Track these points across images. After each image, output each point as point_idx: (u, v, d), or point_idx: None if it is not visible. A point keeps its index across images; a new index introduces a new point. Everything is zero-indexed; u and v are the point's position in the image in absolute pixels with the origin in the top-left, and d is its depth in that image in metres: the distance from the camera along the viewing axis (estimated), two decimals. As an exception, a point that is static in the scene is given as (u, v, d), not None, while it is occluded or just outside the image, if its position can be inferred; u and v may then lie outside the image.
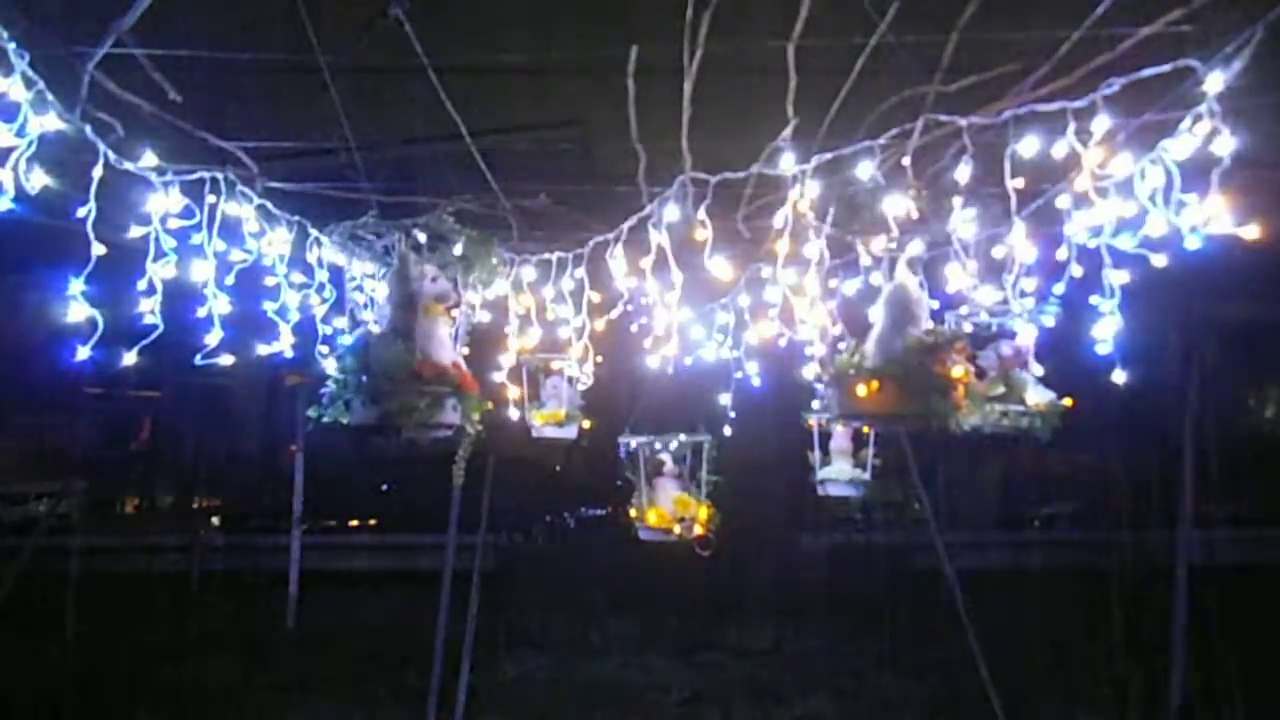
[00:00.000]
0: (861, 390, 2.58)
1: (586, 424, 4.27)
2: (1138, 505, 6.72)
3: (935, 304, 3.03)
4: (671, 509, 4.08)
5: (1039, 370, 3.31)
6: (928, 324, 2.73)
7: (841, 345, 2.97)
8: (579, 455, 9.45)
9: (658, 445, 4.23)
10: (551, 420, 4.18)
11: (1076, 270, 2.84)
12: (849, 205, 2.83)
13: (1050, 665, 6.43)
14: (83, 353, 2.35)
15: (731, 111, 3.03)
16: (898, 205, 2.62)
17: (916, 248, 2.86)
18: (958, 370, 2.55)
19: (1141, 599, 6.24)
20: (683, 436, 4.25)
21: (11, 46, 2.05)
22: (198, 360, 2.80)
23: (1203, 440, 5.84)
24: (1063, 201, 2.71)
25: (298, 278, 3.28)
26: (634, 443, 4.21)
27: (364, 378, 2.63)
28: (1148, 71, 2.21)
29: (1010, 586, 7.14)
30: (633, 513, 4.17)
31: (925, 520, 6.95)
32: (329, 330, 3.38)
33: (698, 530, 4.04)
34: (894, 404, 2.58)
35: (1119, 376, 2.81)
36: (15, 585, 6.46)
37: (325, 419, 2.73)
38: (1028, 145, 2.42)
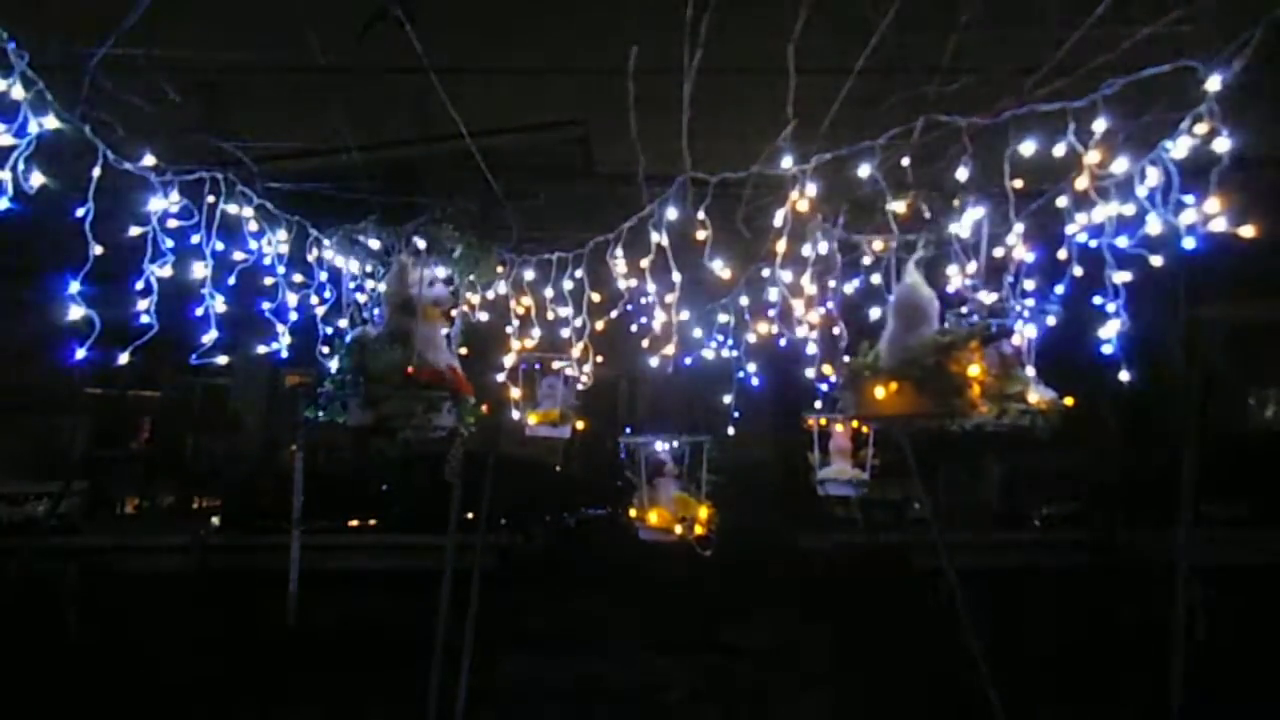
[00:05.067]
0: (879, 392, 2.57)
1: (580, 424, 4.26)
2: (1138, 505, 6.72)
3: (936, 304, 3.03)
4: (672, 509, 4.08)
5: (1031, 370, 3.31)
6: (939, 323, 2.73)
7: (842, 345, 2.97)
8: (579, 455, 9.45)
9: (658, 445, 4.22)
10: (546, 420, 4.18)
11: (1077, 270, 2.84)
12: (857, 206, 2.83)
13: (1050, 665, 6.43)
14: (81, 353, 2.35)
15: (731, 111, 3.03)
16: (902, 205, 2.62)
17: (923, 247, 2.86)
18: (973, 369, 2.54)
19: (1141, 599, 6.24)
20: (683, 437, 4.24)
21: (11, 46, 2.05)
22: (194, 360, 2.80)
23: (1203, 440, 5.84)
24: (1063, 201, 2.71)
25: (298, 278, 3.28)
26: (634, 443, 4.20)
27: (361, 380, 2.64)
28: (1148, 71, 2.20)
29: (1010, 586, 7.14)
30: (633, 513, 4.17)
31: (925, 520, 6.95)
32: (329, 330, 3.37)
33: (698, 530, 4.04)
34: (911, 404, 2.57)
35: (1122, 375, 2.81)
36: (15, 585, 6.46)
37: (322, 419, 2.74)
38: (1028, 145, 2.42)
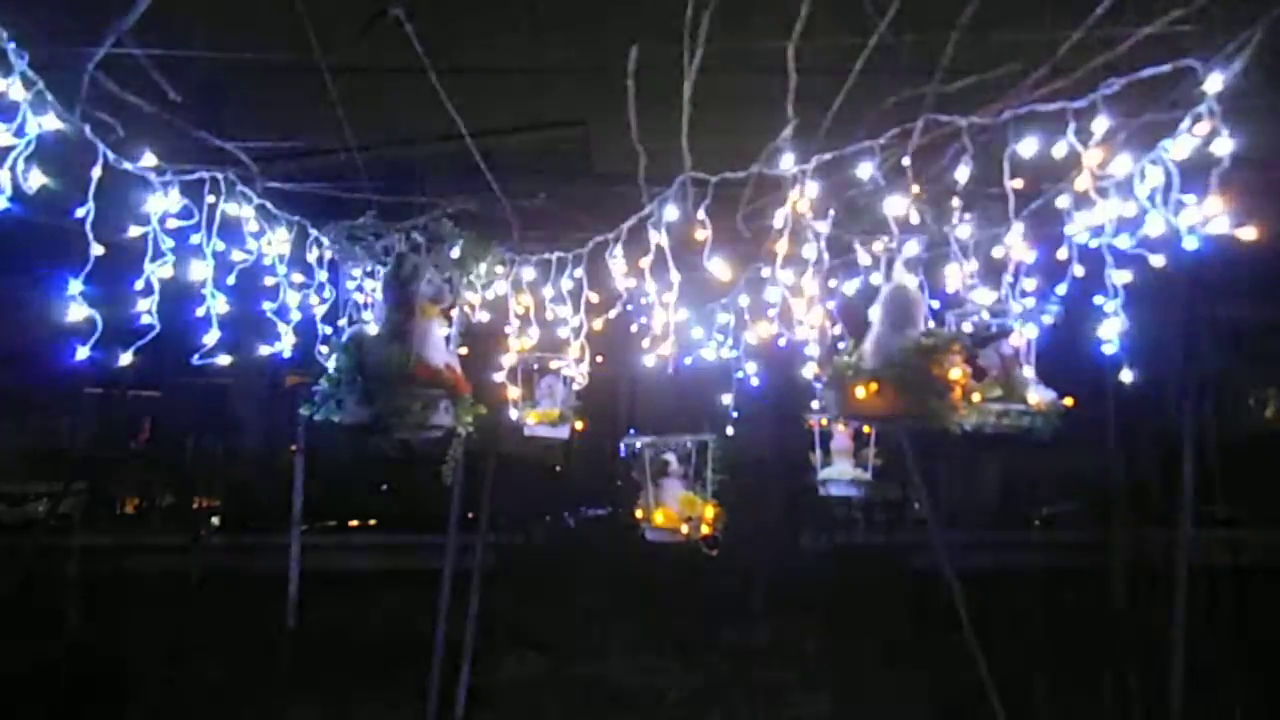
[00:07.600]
0: (860, 392, 2.59)
1: (580, 424, 4.26)
2: (1138, 505, 6.71)
3: (935, 304, 3.03)
4: (678, 509, 4.07)
5: (1031, 371, 3.31)
6: (925, 326, 2.74)
7: (841, 345, 2.97)
8: (579, 455, 9.44)
9: (662, 445, 4.21)
10: (545, 420, 4.18)
11: (1077, 270, 2.85)
12: (851, 206, 2.83)
13: (1050, 665, 6.43)
14: (82, 353, 2.35)
15: (731, 111, 3.02)
16: (898, 206, 2.62)
17: (914, 248, 2.86)
18: (955, 372, 2.55)
19: (1141, 599, 6.23)
20: (687, 437, 4.23)
21: (11, 46, 2.04)
22: (195, 360, 2.80)
23: (1203, 440, 5.84)
24: (1063, 201, 2.71)
25: (297, 278, 3.28)
26: (638, 443, 4.19)
27: (358, 378, 2.63)
28: (1148, 71, 2.20)
29: (1010, 586, 7.13)
30: (639, 513, 4.16)
31: (925, 520, 6.95)
32: (329, 330, 3.37)
33: (704, 530, 4.03)
34: (891, 405, 2.59)
35: (1122, 376, 2.81)
36: (15, 585, 6.46)
37: (318, 417, 2.73)
38: (1028, 145, 2.42)
